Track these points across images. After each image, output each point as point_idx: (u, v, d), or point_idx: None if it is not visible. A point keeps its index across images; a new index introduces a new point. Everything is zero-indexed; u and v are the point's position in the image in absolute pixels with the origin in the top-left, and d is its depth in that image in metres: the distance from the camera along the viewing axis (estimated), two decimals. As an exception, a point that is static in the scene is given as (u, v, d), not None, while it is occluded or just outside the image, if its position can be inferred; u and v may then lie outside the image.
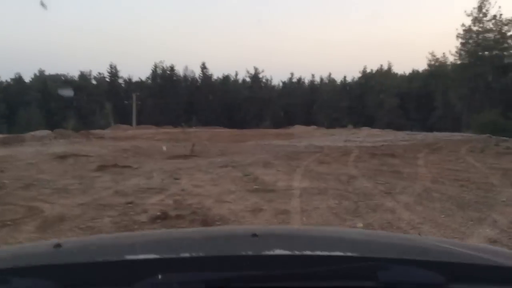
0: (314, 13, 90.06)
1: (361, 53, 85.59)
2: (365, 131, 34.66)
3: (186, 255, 1.38)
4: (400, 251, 1.37)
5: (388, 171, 10.65)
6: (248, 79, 63.00)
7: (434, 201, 7.03)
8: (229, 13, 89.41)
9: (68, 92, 49.54)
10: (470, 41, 40.94)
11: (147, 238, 1.76)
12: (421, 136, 27.16)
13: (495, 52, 40.44)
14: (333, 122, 51.72)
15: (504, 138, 27.31)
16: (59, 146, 18.82)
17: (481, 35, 40.47)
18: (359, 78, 61.91)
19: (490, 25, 40.27)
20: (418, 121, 49.74)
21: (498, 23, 40.00)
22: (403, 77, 59.33)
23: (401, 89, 54.53)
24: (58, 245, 1.32)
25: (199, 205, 6.80)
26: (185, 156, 14.77)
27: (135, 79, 61.86)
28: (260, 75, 61.91)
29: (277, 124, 50.67)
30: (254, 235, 1.39)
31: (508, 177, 9.31)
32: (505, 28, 40.02)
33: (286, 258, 1.22)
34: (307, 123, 51.24)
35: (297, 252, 1.34)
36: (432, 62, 52.45)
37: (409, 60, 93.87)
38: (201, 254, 1.37)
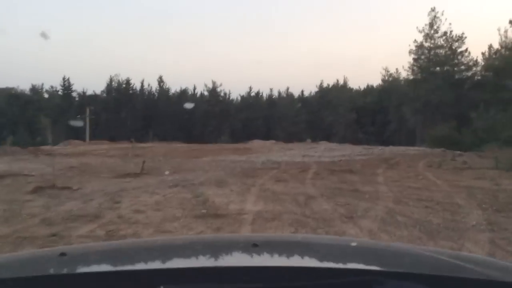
0: (270, 26, 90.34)
1: (318, 67, 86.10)
2: (323, 145, 34.34)
3: (188, 265, 1.32)
4: (396, 264, 1.36)
5: (348, 190, 9.95)
6: (206, 93, 61.95)
7: (400, 227, 6.30)
8: (186, 27, 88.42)
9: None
10: (422, 56, 41.59)
11: (149, 245, 1.76)
12: (378, 150, 26.96)
13: (446, 67, 41.23)
14: (291, 136, 51.45)
15: (458, 152, 27.61)
16: (1, 164, 17.34)
17: (433, 51, 41.20)
18: (316, 92, 62.11)
19: (441, 41, 41.11)
20: (374, 135, 50.10)
21: (449, 40, 40.88)
22: (358, 92, 59.87)
23: (357, 104, 54.92)
24: (63, 254, 1.33)
25: (134, 236, 5.80)
26: (134, 175, 13.65)
27: (89, 92, 59.53)
28: (218, 89, 60.98)
29: (236, 139, 49.91)
30: (255, 245, 1.38)
31: (473, 196, 8.76)
32: (456, 44, 40.93)
33: (284, 271, 1.18)
34: (266, 137, 50.87)
35: (296, 264, 1.31)
36: (386, 78, 53.17)
37: (364, 75, 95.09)
38: (203, 264, 1.33)
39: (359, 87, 61.40)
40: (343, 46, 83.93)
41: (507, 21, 34.77)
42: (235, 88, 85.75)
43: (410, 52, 41.93)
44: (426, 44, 41.47)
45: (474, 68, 40.92)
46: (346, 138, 46.69)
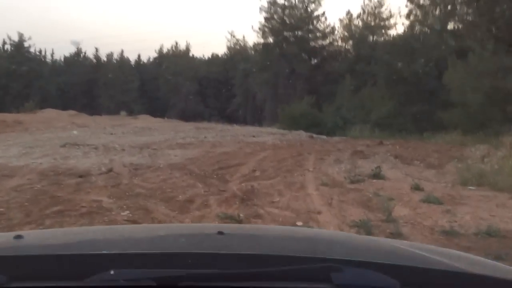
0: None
1: (158, 33, 71.14)
2: (140, 121, 21.51)
3: (144, 251, 1.13)
4: (356, 253, 1.22)
5: None
6: (11, 48, 43.59)
7: None
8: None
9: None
10: (275, 16, 30.81)
11: (110, 232, 1.57)
12: (214, 134, 15.15)
13: (300, 33, 31.17)
14: (120, 106, 37.82)
15: (323, 137, 17.71)
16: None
17: (287, 10, 30.67)
18: (155, 58, 48.33)
19: (296, 0, 30.74)
20: (216, 109, 38.83)
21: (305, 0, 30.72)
22: (202, 61, 47.53)
23: (200, 73, 42.77)
24: (18, 236, 1.17)
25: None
26: None
27: None
28: (26, 43, 43.08)
29: (50, 106, 34.48)
30: (220, 232, 1.22)
31: None
32: (312, 6, 30.94)
33: (244, 258, 1.07)
34: (90, 107, 37.15)
35: (256, 252, 1.15)
36: (232, 45, 41.80)
37: (210, 43, 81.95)
38: (160, 250, 1.13)
39: (203, 55, 49.10)
40: (189, 11, 70.38)
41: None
42: (59, 47, 65.43)
43: (261, 9, 30.82)
44: (280, 2, 30.72)
45: (331, 37, 31.48)
46: (185, 111, 35.04)
